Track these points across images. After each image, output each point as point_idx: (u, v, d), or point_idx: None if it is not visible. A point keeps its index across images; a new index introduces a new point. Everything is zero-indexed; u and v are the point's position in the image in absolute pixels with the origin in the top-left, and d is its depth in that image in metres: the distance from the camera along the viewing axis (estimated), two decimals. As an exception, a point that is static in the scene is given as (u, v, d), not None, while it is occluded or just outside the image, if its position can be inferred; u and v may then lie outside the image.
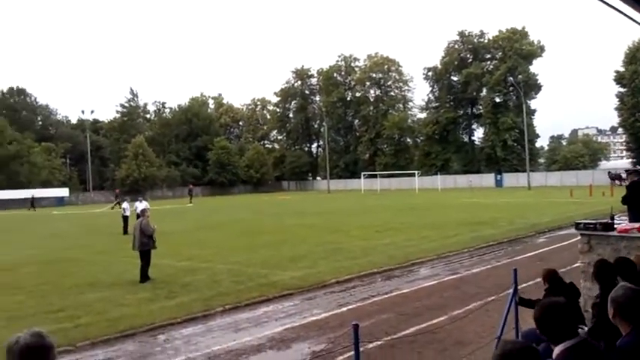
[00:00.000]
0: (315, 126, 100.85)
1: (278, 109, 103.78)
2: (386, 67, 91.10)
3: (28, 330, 2.33)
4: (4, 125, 69.80)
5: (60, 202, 68.02)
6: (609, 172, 60.89)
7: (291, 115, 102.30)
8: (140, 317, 10.31)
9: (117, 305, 11.35)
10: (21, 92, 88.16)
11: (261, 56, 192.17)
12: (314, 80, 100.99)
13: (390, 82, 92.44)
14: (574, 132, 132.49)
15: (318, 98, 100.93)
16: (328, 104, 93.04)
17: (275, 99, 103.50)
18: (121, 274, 14.88)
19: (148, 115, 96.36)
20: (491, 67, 79.25)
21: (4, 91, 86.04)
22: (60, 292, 12.83)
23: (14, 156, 68.98)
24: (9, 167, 68.34)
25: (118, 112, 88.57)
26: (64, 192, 70.95)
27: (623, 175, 61.15)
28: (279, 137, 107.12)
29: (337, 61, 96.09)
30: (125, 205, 27.49)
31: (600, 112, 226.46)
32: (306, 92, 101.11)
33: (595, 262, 5.86)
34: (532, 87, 74.97)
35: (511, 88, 74.72)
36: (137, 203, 25.61)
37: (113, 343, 9.12)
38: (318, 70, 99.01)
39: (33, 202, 60.11)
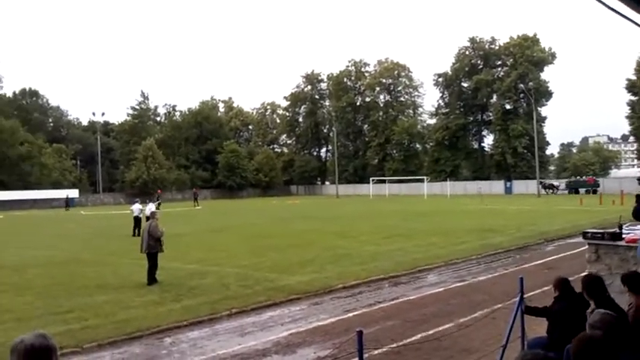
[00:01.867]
0: (325, 130, 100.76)
1: (288, 114, 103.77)
2: (396, 72, 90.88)
3: (32, 332, 2.37)
4: (16, 126, 69.91)
5: (70, 203, 68.17)
6: (541, 182, 62.43)
7: (300, 120, 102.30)
8: (147, 320, 10.37)
9: (124, 307, 11.42)
10: (33, 94, 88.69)
11: (272, 60, 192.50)
12: (324, 85, 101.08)
13: (400, 88, 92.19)
14: (585, 140, 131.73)
15: (327, 103, 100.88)
16: (338, 109, 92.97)
17: (285, 103, 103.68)
18: (129, 277, 14.95)
19: (158, 118, 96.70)
20: (502, 73, 78.91)
21: (17, 92, 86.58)
22: (68, 294, 12.91)
23: (25, 157, 69.29)
24: (20, 168, 68.65)
25: (128, 114, 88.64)
26: (73, 193, 71.11)
27: (556, 184, 61.93)
28: (289, 141, 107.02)
29: (347, 66, 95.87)
30: (136, 206, 27.58)
31: (611, 120, 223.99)
32: (316, 97, 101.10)
33: (583, 277, 5.75)
34: (543, 94, 74.31)
35: (521, 95, 74.47)
36: (149, 204, 25.93)
37: (120, 345, 9.19)
38: (328, 75, 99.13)
39: (67, 202, 61.65)
